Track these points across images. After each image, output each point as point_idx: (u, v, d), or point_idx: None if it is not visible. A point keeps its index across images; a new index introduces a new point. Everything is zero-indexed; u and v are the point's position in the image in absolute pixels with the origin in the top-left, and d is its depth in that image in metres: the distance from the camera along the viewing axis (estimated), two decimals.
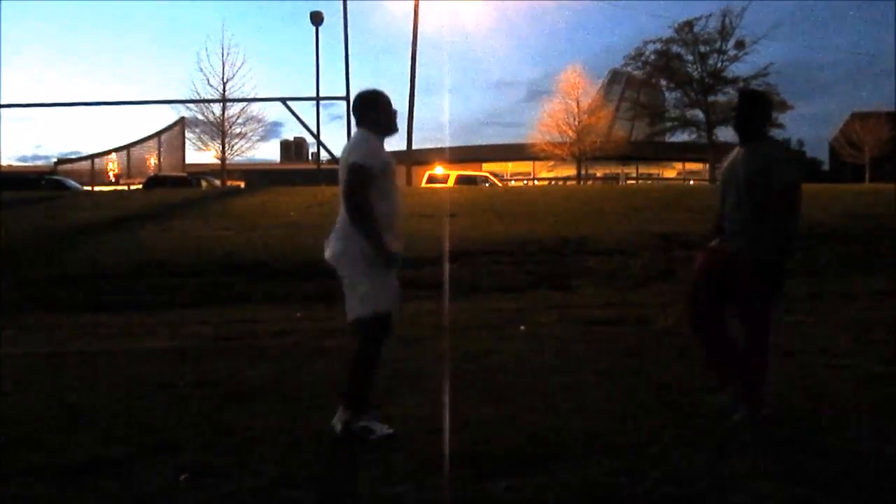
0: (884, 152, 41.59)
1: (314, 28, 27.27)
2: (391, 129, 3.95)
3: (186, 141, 42.32)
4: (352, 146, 3.79)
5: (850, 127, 45.15)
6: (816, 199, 17.79)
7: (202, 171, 39.35)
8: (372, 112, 3.86)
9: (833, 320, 6.96)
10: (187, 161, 44.49)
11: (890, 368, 5.04)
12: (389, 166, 3.82)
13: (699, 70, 43.43)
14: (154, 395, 4.75)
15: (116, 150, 42.54)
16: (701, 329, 4.12)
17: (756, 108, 4.14)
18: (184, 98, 35.80)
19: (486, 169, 42.48)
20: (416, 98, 33.18)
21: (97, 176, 37.98)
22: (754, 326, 3.97)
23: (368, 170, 3.66)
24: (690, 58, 43.74)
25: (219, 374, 5.31)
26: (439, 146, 43.65)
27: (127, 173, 40.53)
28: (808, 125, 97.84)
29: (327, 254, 3.86)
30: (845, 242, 11.69)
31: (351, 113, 3.93)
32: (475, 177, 31.74)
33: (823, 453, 3.44)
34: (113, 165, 41.38)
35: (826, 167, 52.16)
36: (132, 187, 32.83)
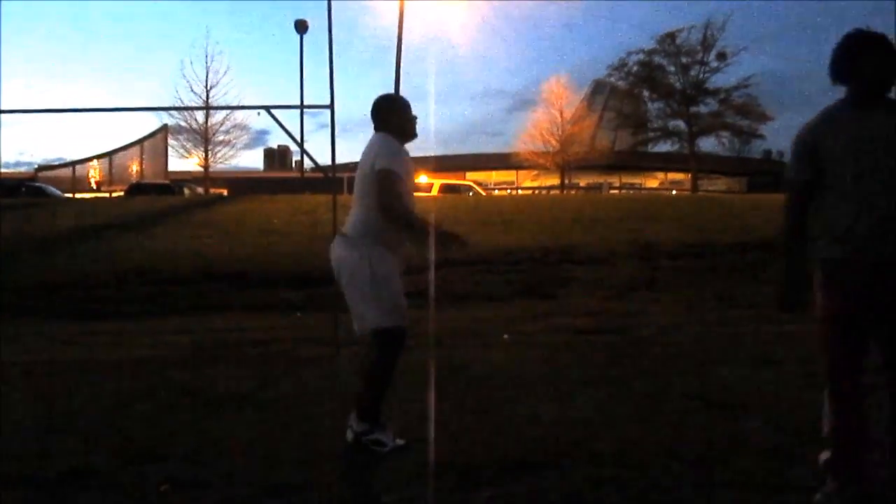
0: None
1: (299, 36, 27.29)
2: (412, 134, 3.87)
3: (169, 148, 42.08)
4: (376, 152, 3.67)
5: None
6: None
7: (185, 179, 39.13)
8: (394, 117, 3.79)
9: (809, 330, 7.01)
10: (170, 168, 44.21)
11: None
12: (412, 171, 3.81)
13: (681, 81, 43.94)
14: (136, 405, 4.71)
15: (98, 156, 42.21)
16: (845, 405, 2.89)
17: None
18: (167, 105, 35.67)
19: (470, 178, 42.56)
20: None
21: (78, 183, 37.63)
22: None
23: (397, 174, 3.60)
24: (673, 69, 44.31)
25: (201, 383, 5.27)
26: (423, 155, 43.66)
27: (109, 180, 40.20)
28: (787, 136, 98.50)
29: (333, 258, 3.78)
30: None
31: (371, 117, 3.82)
32: (459, 186, 31.78)
33: (805, 462, 3.47)
34: (95, 172, 41.03)
35: None
36: (114, 194, 32.57)
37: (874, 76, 2.80)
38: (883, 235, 2.76)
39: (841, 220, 2.81)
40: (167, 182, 35.78)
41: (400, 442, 3.70)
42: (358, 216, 3.73)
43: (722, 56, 43.21)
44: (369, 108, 3.84)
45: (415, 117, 3.87)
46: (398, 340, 3.68)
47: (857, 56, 2.81)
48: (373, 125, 3.84)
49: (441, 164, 42.79)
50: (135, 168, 43.16)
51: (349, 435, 3.72)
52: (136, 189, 31.12)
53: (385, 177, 3.57)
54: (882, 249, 2.77)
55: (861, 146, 2.77)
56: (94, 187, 38.82)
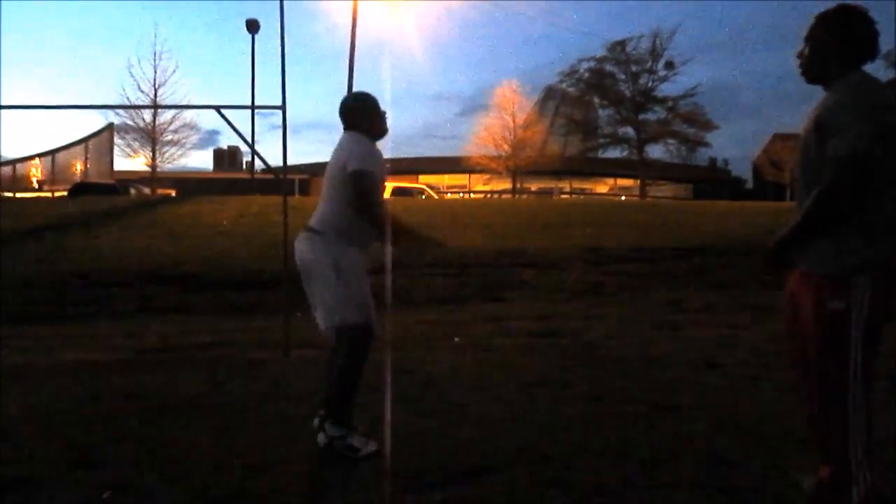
0: None
1: (250, 36, 27.01)
2: (383, 131, 3.84)
3: (115, 147, 41.17)
4: (349, 152, 3.64)
5: (772, 147, 46.86)
6: (739, 216, 18.45)
7: (131, 179, 38.30)
8: (364, 115, 3.76)
9: (757, 331, 7.21)
10: (116, 168, 43.25)
11: None
12: (384, 170, 3.78)
13: (631, 89, 44.65)
14: (77, 410, 4.58)
15: (40, 154, 41.05)
16: None
17: None
18: (113, 103, 34.91)
19: (423, 181, 42.58)
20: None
21: (19, 182, 36.55)
22: None
23: (371, 174, 3.58)
24: (623, 77, 44.97)
25: (146, 387, 5.17)
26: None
27: (51, 179, 39.13)
28: (732, 145, 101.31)
29: (297, 253, 3.75)
30: None
31: (340, 116, 3.77)
32: (411, 189, 31.77)
33: (747, 466, 3.55)
34: (36, 171, 39.91)
35: (749, 186, 54.04)
36: (56, 194, 31.70)
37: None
38: None
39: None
40: (112, 182, 34.97)
41: (373, 447, 3.61)
42: (325, 212, 3.70)
43: (670, 65, 44.11)
44: (338, 107, 3.81)
45: (384, 113, 3.85)
46: (365, 339, 3.63)
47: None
48: (342, 124, 3.81)
49: (394, 166, 42.66)
50: (78, 167, 42.07)
51: (321, 439, 3.65)
52: (79, 189, 30.30)
53: (360, 178, 3.55)
54: None
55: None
56: (36, 186, 37.76)
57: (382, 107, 3.85)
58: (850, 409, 2.63)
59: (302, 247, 3.74)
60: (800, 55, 2.85)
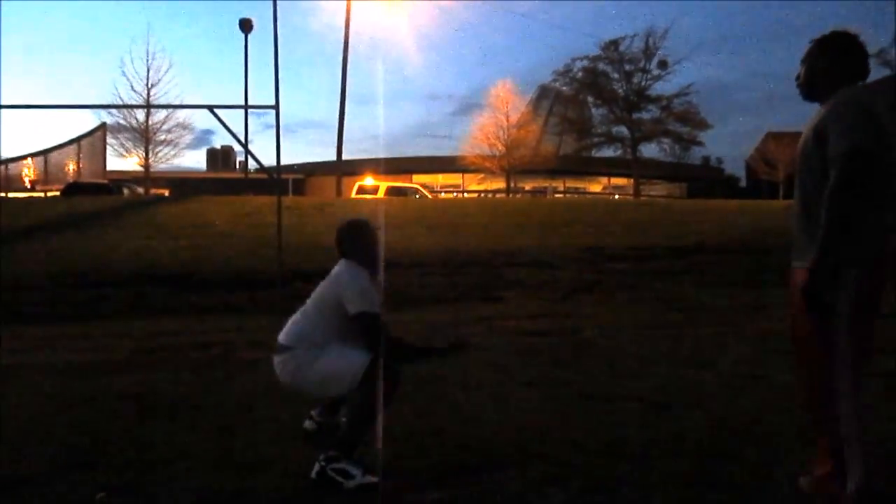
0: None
1: (243, 35, 26.91)
2: (377, 258, 3.74)
3: (108, 147, 41.00)
4: (345, 287, 3.53)
5: (765, 146, 47.03)
6: (733, 214, 18.50)
7: (125, 179, 38.19)
8: (358, 246, 3.69)
9: (752, 329, 7.23)
10: (109, 168, 43.08)
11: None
12: (378, 294, 3.67)
13: (624, 88, 44.75)
14: (72, 411, 4.57)
15: (33, 154, 40.90)
16: None
17: None
18: (106, 103, 34.78)
19: (417, 181, 42.59)
20: (346, 108, 33.14)
21: (11, 182, 36.41)
22: None
23: (377, 313, 3.49)
24: (616, 76, 45.08)
25: (140, 387, 5.16)
26: (370, 157, 43.60)
27: (44, 179, 38.98)
28: (726, 144, 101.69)
29: (280, 379, 3.62)
30: (760, 255, 12.20)
31: (336, 245, 3.72)
32: (405, 188, 31.77)
33: (743, 462, 3.56)
34: (29, 171, 39.74)
35: (743, 184, 54.21)
36: (49, 194, 31.59)
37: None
38: None
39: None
40: (105, 182, 34.87)
41: (371, 479, 3.36)
42: (304, 329, 3.60)
43: (663, 64, 44.24)
44: (335, 237, 3.75)
45: (377, 240, 3.76)
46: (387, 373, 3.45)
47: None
48: (337, 250, 3.75)
49: (388, 166, 42.79)
50: (71, 167, 41.89)
51: (316, 467, 3.41)
52: (72, 189, 30.19)
53: (372, 321, 3.47)
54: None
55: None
56: (29, 186, 37.60)
57: (376, 232, 3.78)
58: (840, 400, 2.75)
59: (280, 370, 3.61)
60: (798, 77, 3.09)
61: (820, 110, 2.93)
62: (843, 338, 2.76)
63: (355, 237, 3.74)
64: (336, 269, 3.68)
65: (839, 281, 2.76)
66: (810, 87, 3.04)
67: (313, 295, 3.68)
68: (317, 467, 3.38)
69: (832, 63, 2.97)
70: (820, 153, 2.81)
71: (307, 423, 3.83)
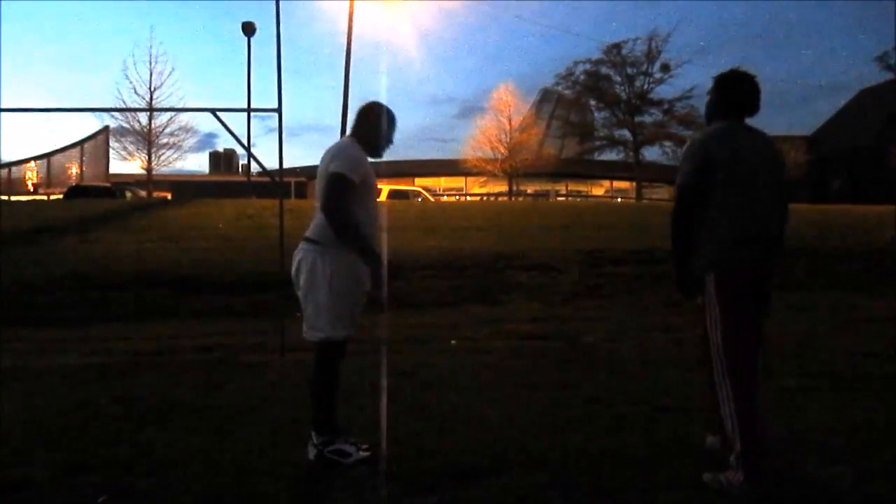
0: (799, 175, 43.45)
1: (246, 39, 27.01)
2: (378, 150, 3.80)
3: (111, 150, 41.05)
4: (333, 154, 3.60)
5: None
6: None
7: (127, 182, 38.22)
8: (367, 125, 3.74)
9: None
10: (112, 171, 43.17)
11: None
12: (370, 179, 3.66)
13: (626, 91, 44.69)
14: (73, 414, 4.57)
15: (36, 158, 40.98)
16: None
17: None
18: (109, 106, 34.83)
19: (419, 184, 42.57)
20: (349, 111, 33.13)
21: (14, 185, 36.47)
22: None
23: (350, 181, 3.50)
24: (618, 79, 45.02)
25: (141, 391, 5.15)
26: (372, 160, 43.48)
27: (47, 182, 39.06)
28: None
29: (294, 262, 3.68)
30: None
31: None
32: (407, 191, 31.76)
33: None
34: (32, 174, 39.83)
35: None
36: (52, 197, 31.63)
37: None
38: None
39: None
40: (108, 185, 34.92)
41: (365, 453, 3.57)
42: (318, 219, 3.61)
43: (666, 67, 44.15)
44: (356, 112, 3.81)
45: (384, 129, 3.77)
46: (339, 349, 3.62)
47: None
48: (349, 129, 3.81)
49: (390, 169, 42.72)
50: (74, 170, 41.99)
51: (311, 452, 3.58)
52: (75, 192, 30.25)
53: (335, 180, 3.50)
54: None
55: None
56: (32, 189, 37.67)
57: (388, 124, 3.78)
58: (717, 384, 3.29)
59: (297, 256, 3.66)
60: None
61: None
62: (712, 333, 3.33)
63: (364, 115, 3.78)
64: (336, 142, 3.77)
65: (703, 286, 3.34)
66: (707, 118, 3.59)
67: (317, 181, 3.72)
68: (313, 451, 3.56)
69: (718, 98, 3.49)
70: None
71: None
